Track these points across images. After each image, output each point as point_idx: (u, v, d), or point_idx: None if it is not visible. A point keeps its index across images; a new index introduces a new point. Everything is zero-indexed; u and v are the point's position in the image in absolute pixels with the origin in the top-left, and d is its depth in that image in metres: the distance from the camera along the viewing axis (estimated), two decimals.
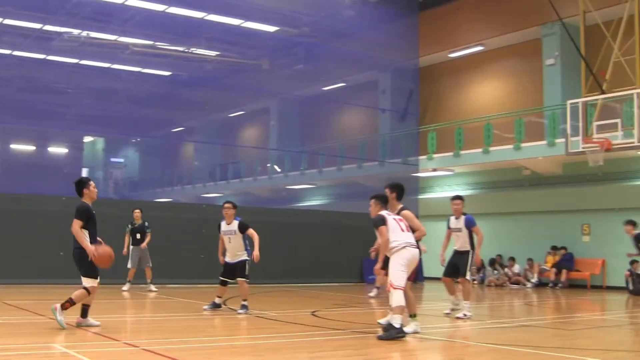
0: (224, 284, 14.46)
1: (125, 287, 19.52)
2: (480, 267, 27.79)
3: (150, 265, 19.83)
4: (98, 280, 10.96)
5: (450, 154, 28.98)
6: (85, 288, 10.77)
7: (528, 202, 28.20)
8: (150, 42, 32.06)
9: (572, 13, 22.71)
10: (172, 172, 46.13)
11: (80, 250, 10.73)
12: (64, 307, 10.62)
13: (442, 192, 30.96)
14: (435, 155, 29.67)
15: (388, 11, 30.54)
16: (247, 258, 14.26)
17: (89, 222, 10.95)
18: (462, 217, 14.63)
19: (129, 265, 19.70)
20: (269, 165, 39.10)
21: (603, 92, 19.56)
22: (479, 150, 27.90)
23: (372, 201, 11.36)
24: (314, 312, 14.69)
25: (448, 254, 14.75)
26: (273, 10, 30.70)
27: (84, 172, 39.39)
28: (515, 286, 26.53)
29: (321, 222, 26.98)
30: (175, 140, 46.54)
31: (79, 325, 10.91)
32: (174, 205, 31.49)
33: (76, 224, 10.81)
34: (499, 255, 28.39)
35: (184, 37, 32.24)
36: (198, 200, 39.25)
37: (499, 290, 25.28)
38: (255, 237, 14.11)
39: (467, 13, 31.29)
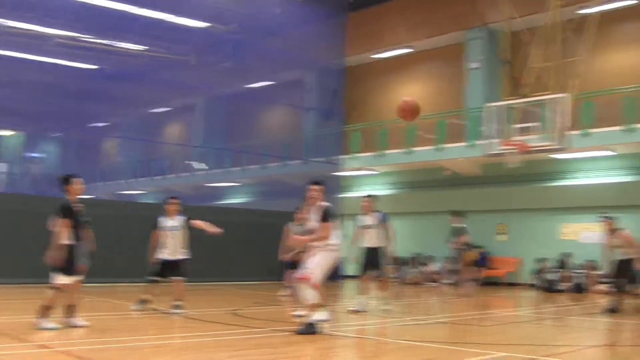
0: (155, 282, 14.03)
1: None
2: (399, 265, 28.16)
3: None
4: (75, 277, 10.94)
5: (374, 153, 29.30)
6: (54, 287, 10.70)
7: (448, 202, 28.60)
8: (75, 34, 31.50)
9: (495, 19, 23.21)
10: (94, 168, 45.36)
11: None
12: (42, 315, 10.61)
13: (365, 192, 31.25)
14: (359, 155, 29.95)
15: (316, 11, 30.60)
16: (187, 257, 14.12)
17: (72, 220, 10.89)
18: (375, 214, 14.99)
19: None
20: (192, 162, 38.91)
21: (523, 96, 20.00)
22: (402, 150, 28.27)
23: (320, 187, 11.09)
24: (235, 310, 14.71)
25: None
26: (202, 5, 30.47)
27: (2, 167, 38.58)
28: (433, 284, 26.94)
29: (244, 220, 26.93)
30: (98, 136, 45.76)
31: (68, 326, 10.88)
32: (95, 202, 31.02)
33: (60, 223, 10.77)
34: (418, 254, 28.78)
35: (110, 30, 31.68)
36: (120, 197, 38.85)
37: (417, 288, 25.64)
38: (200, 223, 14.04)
39: (395, 15, 31.62)
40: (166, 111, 42.83)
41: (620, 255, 15.54)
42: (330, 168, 30.57)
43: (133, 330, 11.41)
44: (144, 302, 14.02)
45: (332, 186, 30.07)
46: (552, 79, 19.67)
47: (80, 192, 11.16)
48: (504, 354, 9.39)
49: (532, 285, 24.94)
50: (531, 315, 16.70)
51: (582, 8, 21.80)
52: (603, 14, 22.04)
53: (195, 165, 38.40)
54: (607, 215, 15.94)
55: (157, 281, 14.02)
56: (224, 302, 17.58)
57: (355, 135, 30.49)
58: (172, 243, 13.94)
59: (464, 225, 21.97)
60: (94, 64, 34.56)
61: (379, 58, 33.21)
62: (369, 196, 15.48)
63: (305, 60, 33.58)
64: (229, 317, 13.39)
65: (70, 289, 10.85)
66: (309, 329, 10.49)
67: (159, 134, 44.03)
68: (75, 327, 10.86)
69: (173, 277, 13.90)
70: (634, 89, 23.67)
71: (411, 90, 32.98)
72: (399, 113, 10.64)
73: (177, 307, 13.60)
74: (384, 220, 15.18)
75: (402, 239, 24.18)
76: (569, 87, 19.54)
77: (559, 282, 23.61)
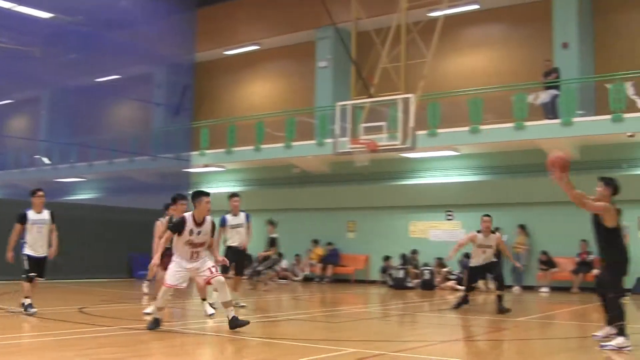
0: (31, 280, 13.23)
1: None
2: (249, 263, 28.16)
3: None
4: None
5: (223, 150, 29.18)
6: None
7: (297, 199, 28.86)
8: None
9: (345, 19, 23.45)
10: None
11: None
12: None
13: (214, 188, 31.11)
14: (207, 151, 29.75)
15: (165, 5, 30.19)
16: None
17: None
18: (242, 214, 15.13)
19: None
20: (37, 156, 37.68)
21: (371, 96, 20.27)
22: (251, 147, 28.26)
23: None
24: (81, 308, 14.44)
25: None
26: None
27: None
28: (283, 281, 27.05)
29: (90, 216, 26.32)
30: None
31: None
32: None
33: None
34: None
35: None
36: None
37: (267, 285, 25.66)
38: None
39: (244, 12, 31.56)
40: (9, 103, 41.28)
41: (485, 257, 15.67)
42: (178, 164, 30.31)
43: None
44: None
45: (181, 183, 29.82)
46: (399, 79, 20.02)
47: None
48: (353, 350, 9.52)
49: (382, 282, 25.37)
50: (380, 312, 17.06)
51: (429, 11, 22.31)
52: (449, 17, 22.66)
53: (43, 159, 37.23)
54: (487, 214, 16.09)
55: (33, 278, 13.22)
56: (70, 300, 17.12)
57: (204, 131, 30.27)
58: (39, 237, 13.30)
59: (276, 235, 22.57)
60: None
61: (229, 54, 33.12)
62: (237, 195, 15.54)
63: (154, 55, 33.09)
64: (77, 315, 13.10)
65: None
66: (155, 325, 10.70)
67: (2, 127, 42.35)
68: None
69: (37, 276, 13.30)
70: (477, 91, 24.53)
71: (261, 87, 33.10)
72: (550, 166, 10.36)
73: (28, 306, 13.01)
74: (248, 220, 15.38)
75: (252, 237, 24.20)
76: (416, 88, 19.97)
77: (406, 279, 24.10)
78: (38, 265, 13.28)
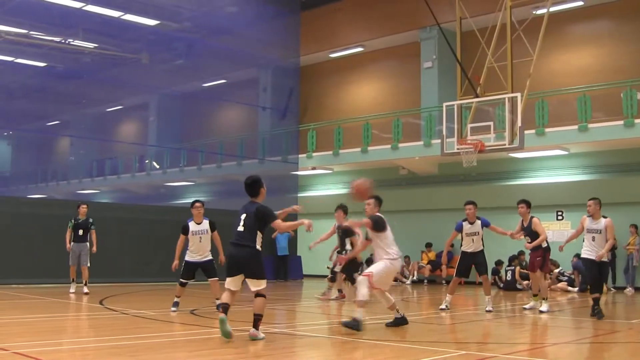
0: (184, 284, 14.43)
1: (72, 288, 18.93)
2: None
3: (88, 265, 18.94)
4: None
5: (330, 152, 29.34)
6: None
7: (405, 201, 28.78)
8: (25, 31, 31.07)
9: (449, 19, 23.30)
10: (46, 167, 44.72)
11: None
12: None
13: (321, 191, 31.33)
14: (314, 154, 29.96)
15: (270, 9, 30.59)
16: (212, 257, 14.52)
17: None
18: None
19: (70, 263, 18.97)
20: (147, 161, 38.62)
21: (477, 96, 20.12)
22: (358, 149, 28.35)
23: (372, 201, 12.48)
24: (193, 310, 14.64)
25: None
26: (153, 3, 30.27)
27: None
28: (393, 283, 26.97)
29: None
30: (49, 134, 45.20)
31: None
32: (48, 202, 30.60)
33: None
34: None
35: (60, 27, 31.27)
36: (74, 197, 38.42)
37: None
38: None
39: (347, 14, 31.69)
40: (119, 110, 42.45)
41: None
42: (286, 167, 30.58)
43: (85, 331, 11.35)
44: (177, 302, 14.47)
45: (288, 185, 30.13)
46: (505, 78, 19.81)
47: None
48: (465, 352, 9.46)
49: (493, 284, 25.03)
50: (491, 314, 16.88)
51: (533, 9, 22.02)
52: (554, 14, 22.30)
53: (153, 164, 38.13)
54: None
55: (186, 283, 14.61)
56: (183, 302, 17.36)
57: (311, 134, 30.49)
58: (200, 246, 14.52)
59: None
60: (44, 62, 34.14)
61: (334, 57, 33.25)
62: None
63: (259, 59, 33.57)
64: (187, 317, 13.31)
65: None
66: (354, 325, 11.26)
67: (113, 133, 43.60)
68: None
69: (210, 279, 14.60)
70: (585, 89, 24.04)
71: (366, 88, 33.14)
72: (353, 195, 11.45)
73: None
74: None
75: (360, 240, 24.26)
76: (522, 87, 19.72)
77: (515, 281, 23.78)
78: (193, 271, 14.53)
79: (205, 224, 14.48)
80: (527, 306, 16.25)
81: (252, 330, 10.08)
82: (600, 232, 14.44)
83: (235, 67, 34.38)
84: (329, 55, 33.26)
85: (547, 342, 11.54)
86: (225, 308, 10.05)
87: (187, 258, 14.49)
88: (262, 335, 10.14)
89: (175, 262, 14.48)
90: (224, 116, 38.55)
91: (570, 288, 22.92)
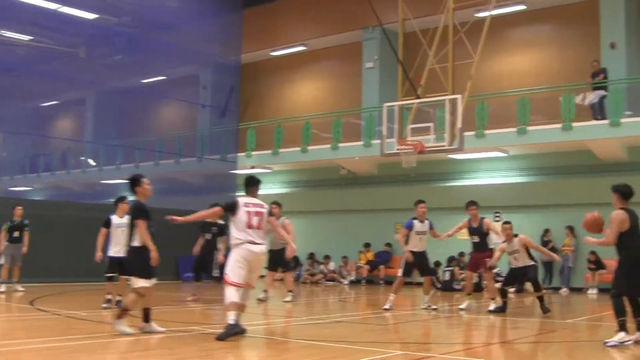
0: (111, 279, 14.70)
1: (1, 288, 18.68)
2: (296, 265, 28.21)
3: (20, 264, 19.01)
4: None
5: (269, 151, 29.14)
6: None
7: (344, 201, 28.76)
8: None
9: (392, 19, 23.25)
10: None
11: None
12: None
13: (260, 190, 31.06)
14: (254, 153, 29.72)
15: (212, 5, 30.24)
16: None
17: None
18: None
19: (1, 262, 18.87)
20: (83, 158, 37.97)
21: (418, 97, 20.09)
22: (298, 149, 28.20)
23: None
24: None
25: None
26: None
27: None
28: (330, 283, 27.00)
29: None
30: None
31: None
32: None
33: None
34: (313, 253, 28.77)
35: None
36: (6, 194, 37.56)
37: (314, 287, 25.65)
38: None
39: (290, 13, 31.56)
40: (55, 105, 41.68)
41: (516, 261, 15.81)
42: (225, 166, 30.32)
43: (19, 332, 11.03)
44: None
45: (227, 184, 29.87)
46: (446, 80, 19.82)
47: None
48: (402, 352, 9.39)
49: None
50: (428, 314, 16.88)
51: (476, 12, 22.08)
52: (496, 18, 22.42)
53: (88, 161, 37.49)
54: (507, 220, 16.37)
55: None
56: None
57: (251, 132, 30.24)
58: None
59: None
60: None
61: (275, 55, 33.06)
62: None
63: (200, 56, 33.21)
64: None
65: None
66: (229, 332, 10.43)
67: (48, 128, 42.74)
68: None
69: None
70: (525, 92, 24.24)
71: (307, 88, 33.05)
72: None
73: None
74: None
75: (296, 239, 24.17)
76: (463, 89, 19.76)
77: (453, 281, 23.91)
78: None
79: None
80: (462, 306, 16.38)
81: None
82: (518, 251, 15.64)
83: (176, 63, 33.98)
84: (270, 54, 33.06)
85: (485, 342, 11.56)
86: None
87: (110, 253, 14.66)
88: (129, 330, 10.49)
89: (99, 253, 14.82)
90: (163, 113, 38.13)
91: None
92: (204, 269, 17.91)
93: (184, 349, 9.51)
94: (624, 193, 10.71)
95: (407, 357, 9.12)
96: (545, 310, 15.07)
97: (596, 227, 11.03)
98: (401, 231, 16.21)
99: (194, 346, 9.71)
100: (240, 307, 10.52)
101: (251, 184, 11.62)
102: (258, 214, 10.95)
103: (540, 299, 15.32)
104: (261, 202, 11.19)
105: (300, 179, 30.71)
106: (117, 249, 14.30)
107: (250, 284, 10.75)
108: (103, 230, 14.86)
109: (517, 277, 16.42)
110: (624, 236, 10.52)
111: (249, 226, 10.71)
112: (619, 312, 10.45)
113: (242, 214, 10.78)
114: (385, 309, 15.58)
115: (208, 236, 17.80)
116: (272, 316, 15.00)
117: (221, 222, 17.34)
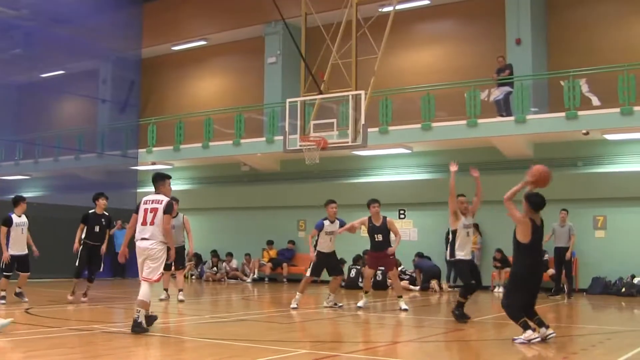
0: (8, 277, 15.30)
1: None
2: (198, 262, 27.89)
3: None
4: None
5: (170, 147, 28.68)
6: None
7: (246, 198, 28.50)
8: None
9: (294, 14, 23.10)
10: None
11: None
12: None
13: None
14: (154, 149, 29.22)
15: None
16: None
17: None
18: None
19: None
20: None
21: (321, 93, 19.96)
22: (199, 144, 27.82)
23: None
24: (27, 309, 14.13)
25: None
26: None
27: None
28: (233, 281, 26.72)
29: (36, 215, 25.60)
30: None
31: None
32: None
33: None
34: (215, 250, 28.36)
35: None
36: None
37: (217, 285, 25.34)
38: None
39: (191, 6, 31.08)
40: None
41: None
42: (125, 162, 29.80)
43: None
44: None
45: (127, 181, 29.32)
46: (349, 76, 19.74)
47: None
48: (306, 351, 9.27)
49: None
50: (333, 312, 16.76)
51: (379, 7, 22.10)
52: (400, 13, 22.46)
53: None
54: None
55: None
56: (16, 300, 16.49)
57: (151, 128, 29.71)
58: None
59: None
60: None
61: (176, 50, 32.58)
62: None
63: (100, 50, 32.46)
64: (22, 316, 12.69)
65: None
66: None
67: None
68: None
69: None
70: (430, 88, 24.35)
71: (209, 83, 32.72)
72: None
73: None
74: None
75: (199, 236, 23.88)
76: (367, 85, 19.71)
77: (358, 279, 23.89)
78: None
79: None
80: (360, 304, 16.28)
81: None
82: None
83: (75, 57, 33.16)
84: (171, 48, 32.56)
85: (389, 341, 11.55)
86: None
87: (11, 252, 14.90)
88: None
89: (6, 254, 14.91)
90: (62, 108, 37.17)
91: (411, 287, 23.15)
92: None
93: (85, 347, 9.26)
94: (533, 203, 10.53)
95: (311, 356, 8.96)
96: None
97: (543, 183, 10.62)
98: (312, 231, 16.11)
99: (93, 345, 9.43)
100: (141, 304, 10.60)
101: (155, 179, 11.81)
102: (153, 210, 11.03)
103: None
104: (160, 198, 11.02)
105: (202, 175, 30.33)
106: (18, 248, 14.86)
107: (147, 278, 10.78)
108: (3, 229, 15.01)
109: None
110: (522, 248, 10.42)
111: (143, 223, 10.94)
112: (515, 318, 10.45)
113: (140, 212, 11.09)
114: (293, 308, 15.43)
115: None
116: (172, 314, 14.66)
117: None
